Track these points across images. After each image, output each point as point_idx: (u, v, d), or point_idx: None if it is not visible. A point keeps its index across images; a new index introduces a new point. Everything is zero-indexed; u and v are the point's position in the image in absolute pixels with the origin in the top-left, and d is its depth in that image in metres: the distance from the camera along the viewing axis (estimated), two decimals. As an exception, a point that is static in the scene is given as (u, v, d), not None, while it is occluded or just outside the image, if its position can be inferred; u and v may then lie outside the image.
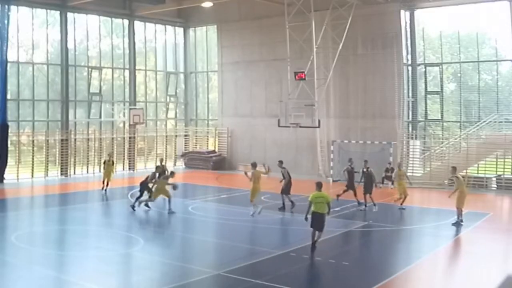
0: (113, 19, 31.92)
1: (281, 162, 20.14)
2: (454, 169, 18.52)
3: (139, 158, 33.50)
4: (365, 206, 19.63)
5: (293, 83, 25.62)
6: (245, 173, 18.60)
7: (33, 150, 28.28)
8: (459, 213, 17.39)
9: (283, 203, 19.69)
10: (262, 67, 32.19)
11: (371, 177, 19.77)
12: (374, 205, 19.52)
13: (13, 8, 26.58)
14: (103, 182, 23.18)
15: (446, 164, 26.25)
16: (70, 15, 29.40)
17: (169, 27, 35.37)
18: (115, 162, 24.87)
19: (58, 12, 29.06)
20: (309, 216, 14.02)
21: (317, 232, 13.97)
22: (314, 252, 13.79)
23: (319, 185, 14.22)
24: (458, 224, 17.20)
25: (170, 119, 36.38)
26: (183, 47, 36.40)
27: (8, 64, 26.32)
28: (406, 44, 28.01)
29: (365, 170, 19.98)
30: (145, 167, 33.13)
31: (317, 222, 13.83)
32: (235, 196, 21.82)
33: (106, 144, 31.67)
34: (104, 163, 23.66)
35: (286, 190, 19.65)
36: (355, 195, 20.20)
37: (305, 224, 17.75)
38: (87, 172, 29.96)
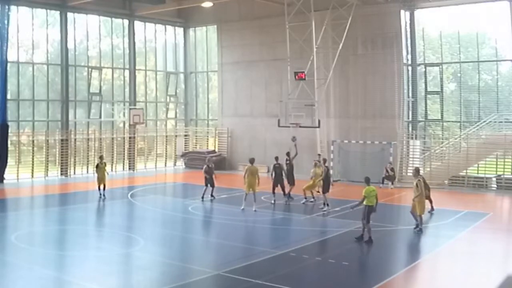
0: (113, 19, 31.91)
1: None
2: (417, 171, 16.99)
3: (139, 158, 33.50)
4: (326, 204, 19.60)
5: (293, 83, 25.62)
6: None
7: (33, 150, 28.28)
8: (420, 220, 16.34)
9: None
10: (262, 67, 32.18)
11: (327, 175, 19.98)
12: (325, 204, 19.43)
13: (13, 8, 26.57)
14: (99, 188, 21.95)
15: (446, 164, 26.30)
16: (70, 15, 29.40)
17: (169, 27, 35.37)
18: (106, 163, 23.14)
19: (58, 12, 29.06)
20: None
21: (368, 225, 14.87)
22: (362, 243, 14.78)
23: (368, 180, 15.30)
24: (420, 231, 16.19)
25: (170, 119, 36.38)
26: (183, 47, 36.39)
27: (8, 64, 26.30)
28: (406, 44, 27.98)
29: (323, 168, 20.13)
30: (145, 167, 33.16)
31: (369, 214, 14.86)
32: (235, 196, 21.79)
33: (106, 144, 31.68)
34: (97, 166, 22.36)
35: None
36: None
37: (305, 224, 17.83)
38: (87, 172, 29.91)
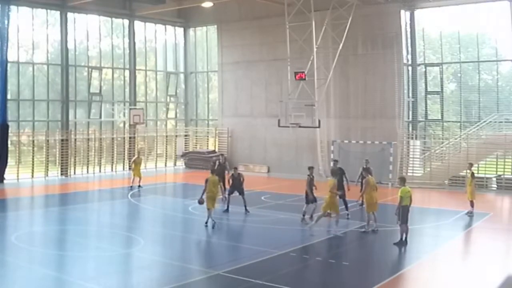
0: (113, 19, 31.92)
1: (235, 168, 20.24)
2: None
3: (139, 158, 33.44)
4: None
5: (293, 83, 25.61)
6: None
7: (33, 150, 28.28)
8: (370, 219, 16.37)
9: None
10: (262, 67, 32.18)
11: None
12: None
13: (13, 8, 26.59)
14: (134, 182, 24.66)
15: (446, 164, 26.29)
16: (70, 15, 29.41)
17: (169, 27, 35.37)
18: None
19: (58, 12, 29.06)
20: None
21: (404, 226, 14.72)
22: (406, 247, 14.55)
23: (403, 180, 15.26)
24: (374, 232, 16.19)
25: (170, 119, 36.39)
26: (183, 47, 36.40)
27: (8, 64, 26.31)
28: (406, 44, 27.99)
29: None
30: (145, 167, 33.12)
31: (407, 215, 14.75)
32: (235, 196, 21.77)
33: (106, 144, 31.68)
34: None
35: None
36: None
37: (304, 224, 17.80)
38: (87, 172, 29.97)
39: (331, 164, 19.42)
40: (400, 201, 14.78)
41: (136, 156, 25.93)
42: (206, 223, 16.63)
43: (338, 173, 18.24)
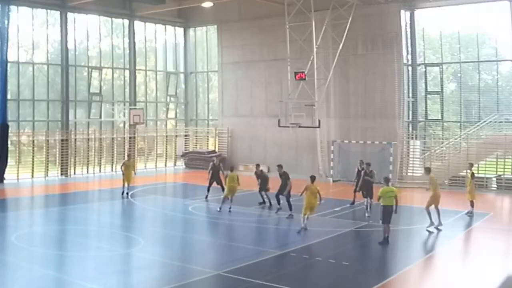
0: (113, 19, 31.92)
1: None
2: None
3: (139, 158, 33.48)
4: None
5: (293, 83, 25.62)
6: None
7: (33, 150, 28.28)
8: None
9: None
10: (262, 67, 32.18)
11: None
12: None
13: (13, 8, 26.59)
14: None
15: (446, 164, 26.29)
16: (70, 15, 29.41)
17: (169, 27, 35.37)
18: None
19: (58, 12, 29.06)
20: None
21: (385, 226, 14.86)
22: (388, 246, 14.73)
23: (387, 180, 15.45)
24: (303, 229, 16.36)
25: (170, 119, 36.39)
26: (183, 47, 36.40)
27: (8, 64, 26.31)
28: (406, 44, 27.99)
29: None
30: (145, 167, 33.15)
31: (389, 215, 14.85)
32: (235, 196, 21.81)
33: (106, 144, 31.69)
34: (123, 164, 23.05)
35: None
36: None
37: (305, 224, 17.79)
38: (87, 172, 29.96)
39: (277, 168, 19.76)
40: (377, 198, 14.99)
41: (126, 158, 24.30)
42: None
43: (283, 177, 19.20)
